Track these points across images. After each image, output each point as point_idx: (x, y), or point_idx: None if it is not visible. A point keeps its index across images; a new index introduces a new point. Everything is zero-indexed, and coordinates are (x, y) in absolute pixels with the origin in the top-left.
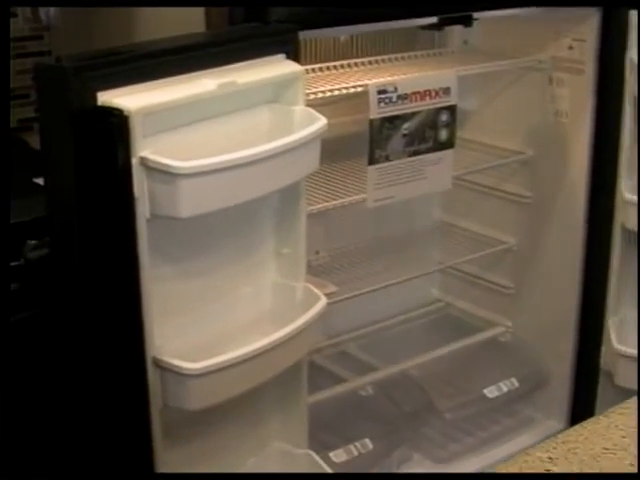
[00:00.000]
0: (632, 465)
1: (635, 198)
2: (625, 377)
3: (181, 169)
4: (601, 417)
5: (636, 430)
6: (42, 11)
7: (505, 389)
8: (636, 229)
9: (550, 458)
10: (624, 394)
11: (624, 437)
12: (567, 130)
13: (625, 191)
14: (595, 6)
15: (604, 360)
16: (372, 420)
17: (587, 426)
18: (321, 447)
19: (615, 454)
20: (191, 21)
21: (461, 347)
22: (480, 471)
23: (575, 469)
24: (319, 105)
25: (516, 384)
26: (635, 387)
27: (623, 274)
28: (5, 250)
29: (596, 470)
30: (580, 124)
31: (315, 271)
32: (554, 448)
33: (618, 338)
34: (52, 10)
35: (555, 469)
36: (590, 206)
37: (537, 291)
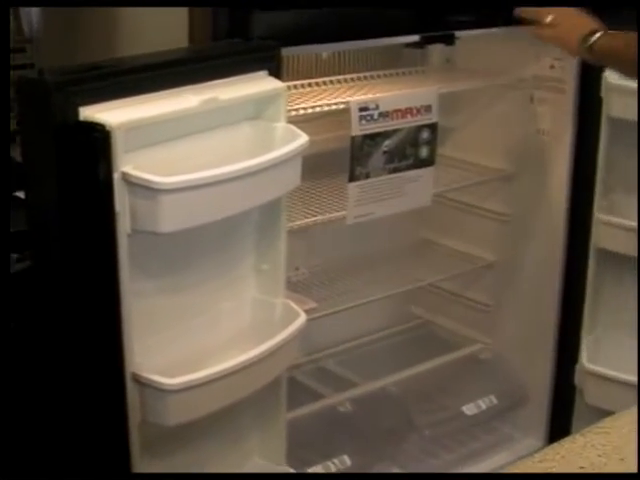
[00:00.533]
0: None
1: (608, 218)
2: (595, 396)
3: (162, 184)
4: (577, 436)
5: (612, 447)
6: (25, 23)
7: (484, 406)
8: (610, 248)
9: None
10: (599, 412)
11: (600, 456)
12: (548, 148)
13: (599, 211)
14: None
15: (577, 378)
16: (350, 436)
17: (564, 445)
18: (300, 463)
19: (592, 473)
20: (174, 36)
21: (440, 364)
22: None
23: None
24: (300, 122)
25: (495, 401)
26: (606, 406)
27: (598, 294)
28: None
29: None
30: (561, 142)
31: (295, 287)
32: (531, 466)
33: (589, 357)
34: (35, 23)
35: None
36: (569, 224)
37: (516, 308)
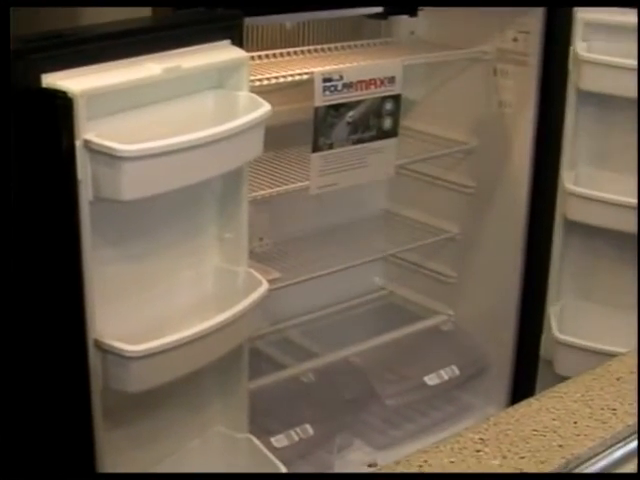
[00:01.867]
0: (561, 446)
1: (576, 189)
2: (565, 365)
3: (124, 152)
4: (532, 400)
5: (567, 413)
6: None
7: (446, 376)
8: (578, 220)
9: (481, 439)
10: (563, 382)
11: (554, 420)
12: (510, 121)
13: (567, 182)
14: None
15: (544, 349)
16: (313, 406)
17: (519, 409)
18: (262, 432)
19: (545, 436)
20: (137, 5)
21: (403, 335)
22: None
23: (504, 449)
24: (264, 92)
25: (457, 372)
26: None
27: (564, 264)
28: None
29: (525, 450)
30: (523, 115)
31: (259, 258)
32: (486, 429)
33: (559, 326)
34: None
35: (486, 449)
36: (532, 196)
37: (479, 280)
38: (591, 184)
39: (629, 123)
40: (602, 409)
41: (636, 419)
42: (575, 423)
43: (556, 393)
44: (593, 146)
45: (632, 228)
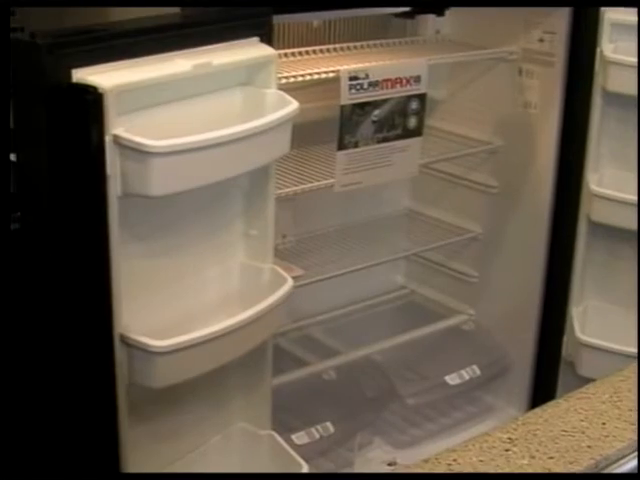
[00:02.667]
0: (589, 447)
1: (601, 190)
2: (588, 367)
3: (153, 148)
4: (561, 401)
5: (595, 414)
6: None
7: (467, 376)
8: (602, 221)
9: (510, 439)
10: (585, 384)
11: (582, 420)
12: (535, 121)
13: (592, 184)
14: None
15: (566, 350)
16: (334, 404)
17: (547, 409)
18: (283, 429)
19: (573, 436)
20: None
21: (424, 334)
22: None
23: (533, 449)
24: (291, 89)
25: (478, 372)
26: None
27: (587, 265)
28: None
29: (553, 451)
30: (548, 116)
31: (282, 255)
32: (514, 429)
33: (581, 328)
34: None
35: (514, 449)
36: (556, 197)
37: (501, 280)
38: (615, 186)
39: None
40: (630, 410)
41: None
42: (604, 424)
43: (584, 394)
44: (618, 148)
45: None
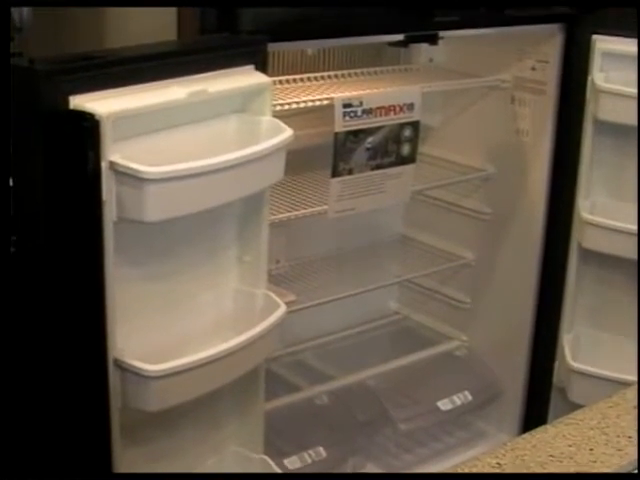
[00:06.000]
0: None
1: (592, 218)
2: (579, 393)
3: (149, 174)
4: (549, 427)
5: (583, 439)
6: (16, 13)
7: (459, 402)
8: (593, 248)
9: (498, 464)
10: (577, 410)
11: (570, 446)
12: (527, 149)
13: (583, 211)
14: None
15: (557, 377)
16: (327, 428)
17: (536, 435)
18: (276, 453)
19: (561, 462)
20: (163, 29)
21: (416, 359)
22: None
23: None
24: (285, 116)
25: (469, 397)
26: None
27: (578, 292)
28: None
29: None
30: (540, 143)
31: (275, 280)
32: (503, 454)
33: (572, 355)
34: (25, 13)
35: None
36: (548, 224)
37: (493, 306)
38: (606, 213)
39: None
40: (618, 436)
41: None
42: (591, 450)
43: (572, 420)
44: (609, 175)
45: None
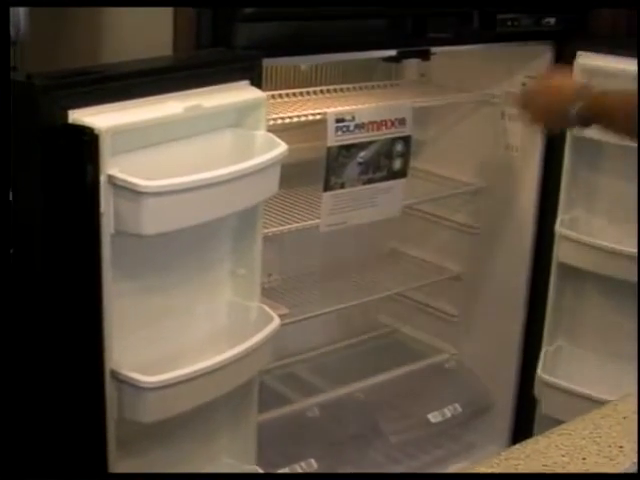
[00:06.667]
0: None
1: (568, 233)
2: (550, 406)
3: (146, 188)
4: (540, 438)
5: (575, 449)
6: (13, 27)
7: (448, 414)
8: (568, 263)
9: (492, 474)
10: (558, 423)
11: (563, 456)
12: (517, 164)
13: (559, 225)
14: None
15: (536, 389)
16: (318, 441)
17: (528, 445)
18: (268, 465)
19: (554, 471)
20: (158, 44)
21: (407, 372)
22: None
23: None
24: (278, 130)
25: (459, 409)
26: (560, 417)
27: (558, 306)
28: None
29: None
30: (530, 158)
31: (267, 293)
32: (497, 464)
33: (548, 367)
34: (22, 27)
35: None
36: (536, 238)
37: (482, 318)
38: (582, 228)
39: (619, 170)
40: (610, 446)
41: None
42: (584, 459)
43: (565, 430)
44: (588, 191)
45: (619, 274)
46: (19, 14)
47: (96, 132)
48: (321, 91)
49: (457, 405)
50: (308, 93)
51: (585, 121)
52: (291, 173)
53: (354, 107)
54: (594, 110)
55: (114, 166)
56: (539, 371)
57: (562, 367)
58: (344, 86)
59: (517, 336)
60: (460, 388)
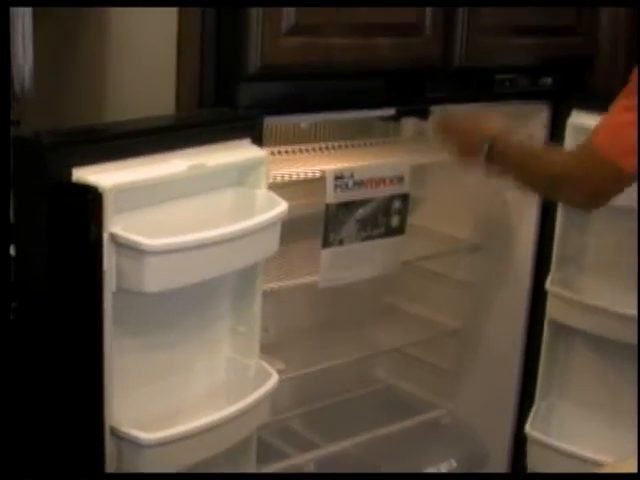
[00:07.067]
0: None
1: (559, 291)
2: (533, 462)
3: (149, 246)
4: None
5: None
6: (17, 83)
7: (444, 470)
8: (558, 320)
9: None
10: None
11: None
12: (513, 221)
13: (550, 283)
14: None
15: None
16: None
17: None
18: None
19: None
20: (161, 103)
21: (402, 427)
22: None
23: None
24: (278, 187)
25: (454, 465)
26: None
27: (551, 363)
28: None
29: None
30: (526, 215)
31: (263, 348)
32: None
33: (533, 424)
34: (27, 83)
35: None
36: (533, 294)
37: (478, 374)
38: (575, 287)
39: (609, 230)
40: None
41: None
42: None
43: None
44: (579, 250)
45: (608, 333)
46: (24, 71)
47: (100, 191)
48: (320, 148)
49: (452, 460)
50: (307, 150)
51: (492, 160)
52: (289, 229)
53: (353, 165)
54: (497, 157)
55: (117, 223)
56: (527, 427)
57: (554, 423)
58: (342, 143)
59: (513, 391)
60: (456, 443)
